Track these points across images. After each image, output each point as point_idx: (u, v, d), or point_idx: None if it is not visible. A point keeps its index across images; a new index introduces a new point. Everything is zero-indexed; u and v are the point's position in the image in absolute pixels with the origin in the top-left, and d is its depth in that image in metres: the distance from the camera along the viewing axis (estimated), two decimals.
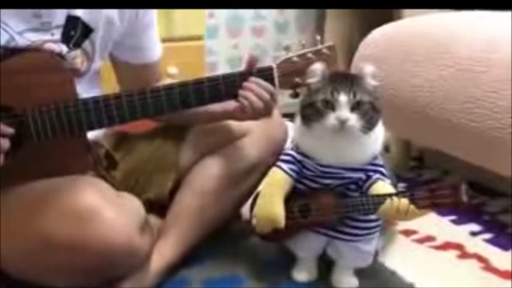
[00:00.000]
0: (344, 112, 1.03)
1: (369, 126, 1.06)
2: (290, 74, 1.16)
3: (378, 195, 1.08)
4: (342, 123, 1.03)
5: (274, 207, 1.10)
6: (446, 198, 1.03)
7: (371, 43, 1.78)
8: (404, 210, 1.03)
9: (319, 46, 1.19)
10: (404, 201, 1.03)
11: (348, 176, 1.11)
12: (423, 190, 1.04)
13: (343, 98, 1.03)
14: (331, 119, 1.04)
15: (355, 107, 1.04)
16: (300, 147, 1.14)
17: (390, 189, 1.10)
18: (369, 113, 1.05)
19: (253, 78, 1.13)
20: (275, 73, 1.14)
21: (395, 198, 1.04)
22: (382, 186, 1.10)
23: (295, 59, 1.16)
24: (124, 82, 1.30)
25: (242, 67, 1.16)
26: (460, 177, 1.76)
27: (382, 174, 1.12)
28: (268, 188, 1.14)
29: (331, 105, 1.04)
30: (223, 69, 2.62)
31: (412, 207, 1.03)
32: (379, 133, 1.11)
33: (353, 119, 1.03)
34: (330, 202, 1.11)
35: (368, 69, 1.08)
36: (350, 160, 1.10)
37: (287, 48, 1.18)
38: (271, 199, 1.12)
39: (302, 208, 1.14)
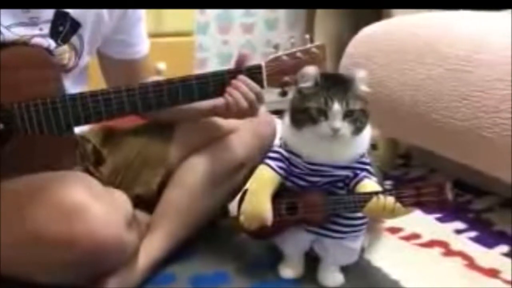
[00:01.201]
0: (337, 121, 1.04)
1: (358, 130, 1.07)
2: (279, 72, 1.16)
3: (365, 193, 1.08)
4: (335, 131, 1.04)
5: (262, 204, 1.11)
6: (432, 197, 1.04)
7: (360, 41, 1.78)
8: (390, 208, 1.04)
9: (309, 46, 1.19)
10: (390, 199, 1.04)
11: (335, 174, 1.12)
12: (409, 188, 1.05)
13: (336, 107, 1.04)
14: (324, 127, 1.05)
15: (347, 115, 1.05)
16: (288, 145, 1.14)
17: (377, 187, 1.11)
18: (360, 119, 1.06)
19: (241, 76, 1.13)
20: (264, 72, 1.15)
21: (381, 196, 1.05)
22: (369, 184, 1.11)
23: (284, 58, 1.17)
24: (111, 79, 1.29)
25: (232, 64, 1.16)
26: (446, 175, 1.77)
27: (369, 172, 1.13)
28: (256, 185, 1.15)
29: (324, 113, 1.05)
30: (213, 65, 2.63)
31: (398, 205, 1.04)
32: (366, 132, 1.12)
33: (345, 127, 1.05)
34: (317, 199, 1.12)
35: (360, 74, 1.08)
36: (338, 158, 1.10)
37: (276, 47, 1.18)
38: (258, 196, 1.12)
39: (290, 206, 1.14)
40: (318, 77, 1.07)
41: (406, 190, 1.05)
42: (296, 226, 1.16)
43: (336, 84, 1.07)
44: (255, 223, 1.12)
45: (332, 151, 1.10)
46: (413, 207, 1.05)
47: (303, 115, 1.07)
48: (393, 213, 1.05)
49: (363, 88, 1.08)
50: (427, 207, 1.15)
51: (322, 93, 1.05)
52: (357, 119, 1.06)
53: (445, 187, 1.03)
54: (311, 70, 1.08)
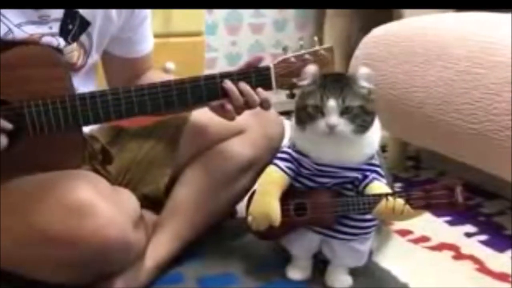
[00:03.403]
0: (332, 118, 1.04)
1: (360, 129, 1.06)
2: (287, 74, 1.16)
3: (374, 195, 1.08)
4: (331, 128, 1.04)
5: (270, 205, 1.10)
6: (442, 199, 1.03)
7: (370, 43, 1.77)
8: (399, 210, 1.03)
9: (317, 48, 1.19)
10: (400, 201, 1.03)
11: (345, 175, 1.11)
12: (419, 191, 1.05)
13: (331, 103, 1.04)
14: (321, 124, 1.05)
15: (345, 112, 1.04)
16: (297, 146, 1.14)
17: (386, 189, 1.10)
18: (360, 117, 1.05)
19: (241, 84, 1.12)
20: (272, 73, 1.15)
21: (390, 198, 1.04)
22: (378, 186, 1.10)
23: (292, 59, 1.17)
24: (112, 76, 1.30)
25: (241, 64, 1.17)
26: (456, 178, 1.76)
27: (378, 174, 1.12)
28: (264, 186, 1.14)
29: (320, 110, 1.05)
30: (221, 66, 2.63)
31: (407, 207, 1.03)
32: (376, 133, 1.11)
33: (342, 124, 1.04)
34: (326, 201, 1.11)
35: (362, 71, 1.08)
36: (347, 159, 1.10)
37: (285, 49, 1.18)
38: (267, 197, 1.12)
39: (298, 207, 1.14)
40: (317, 75, 1.08)
41: (416, 192, 1.04)
42: (304, 227, 1.16)
43: (334, 81, 1.07)
44: (263, 224, 1.12)
45: (339, 152, 1.09)
46: (423, 210, 1.05)
47: (303, 113, 1.07)
48: (402, 216, 1.04)
49: (364, 84, 1.07)
50: (437, 210, 1.14)
51: (319, 90, 1.06)
52: (356, 117, 1.05)
53: (455, 189, 1.02)
54: (311, 68, 1.09)
